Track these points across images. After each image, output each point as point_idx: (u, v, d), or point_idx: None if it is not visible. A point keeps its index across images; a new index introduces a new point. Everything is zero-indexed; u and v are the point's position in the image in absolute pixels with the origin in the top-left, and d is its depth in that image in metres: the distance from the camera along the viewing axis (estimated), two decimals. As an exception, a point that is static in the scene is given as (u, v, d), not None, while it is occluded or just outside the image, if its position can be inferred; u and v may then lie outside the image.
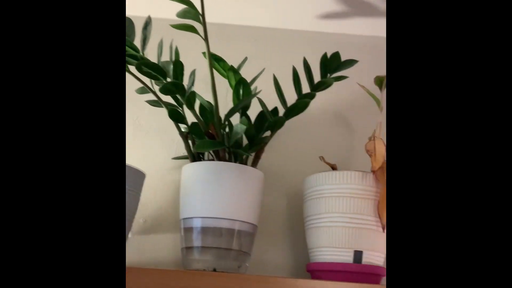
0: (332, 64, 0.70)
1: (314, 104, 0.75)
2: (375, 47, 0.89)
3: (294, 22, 0.88)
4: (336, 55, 0.70)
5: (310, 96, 0.69)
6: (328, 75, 0.71)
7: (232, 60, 0.76)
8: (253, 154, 0.73)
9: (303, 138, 0.84)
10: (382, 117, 0.73)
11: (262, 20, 0.88)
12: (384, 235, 0.68)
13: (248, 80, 0.73)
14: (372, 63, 0.83)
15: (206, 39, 0.66)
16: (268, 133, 0.73)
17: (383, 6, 0.83)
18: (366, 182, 0.68)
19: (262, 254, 0.79)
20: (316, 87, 0.70)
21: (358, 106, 0.85)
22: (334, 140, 0.85)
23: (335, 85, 0.85)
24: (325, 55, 0.70)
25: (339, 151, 0.84)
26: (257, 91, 0.74)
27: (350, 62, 0.70)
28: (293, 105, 0.68)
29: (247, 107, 0.75)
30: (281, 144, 0.83)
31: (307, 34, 0.89)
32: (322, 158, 0.74)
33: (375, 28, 0.88)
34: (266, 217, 0.79)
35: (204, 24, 0.65)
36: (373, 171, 0.67)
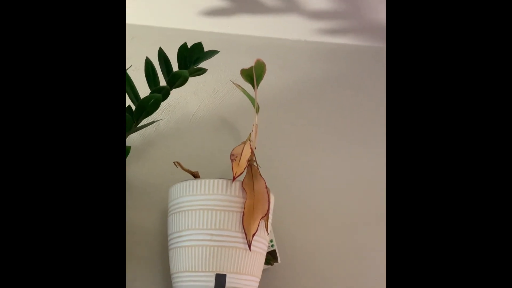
0: (193, 55, 0.60)
1: (198, 109, 0.66)
2: (262, 48, 0.81)
3: (173, 20, 0.79)
4: (198, 45, 0.60)
5: (164, 90, 0.58)
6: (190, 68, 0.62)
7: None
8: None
9: (179, 145, 0.73)
10: (257, 119, 0.64)
11: (139, 17, 0.79)
12: (253, 254, 0.57)
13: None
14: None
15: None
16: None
17: (270, 2, 0.75)
18: (230, 192, 0.58)
19: (129, 283, 0.67)
20: (172, 81, 0.59)
21: (243, 110, 0.75)
22: (218, 147, 0.74)
23: (221, 88, 0.76)
24: (184, 45, 0.60)
25: (223, 159, 0.74)
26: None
27: (212, 53, 0.60)
28: (141, 101, 0.57)
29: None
30: (152, 153, 0.72)
31: (187, 33, 0.80)
32: (177, 163, 0.63)
33: (263, 27, 0.80)
34: (131, 239, 0.68)
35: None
36: (234, 178, 0.57)
